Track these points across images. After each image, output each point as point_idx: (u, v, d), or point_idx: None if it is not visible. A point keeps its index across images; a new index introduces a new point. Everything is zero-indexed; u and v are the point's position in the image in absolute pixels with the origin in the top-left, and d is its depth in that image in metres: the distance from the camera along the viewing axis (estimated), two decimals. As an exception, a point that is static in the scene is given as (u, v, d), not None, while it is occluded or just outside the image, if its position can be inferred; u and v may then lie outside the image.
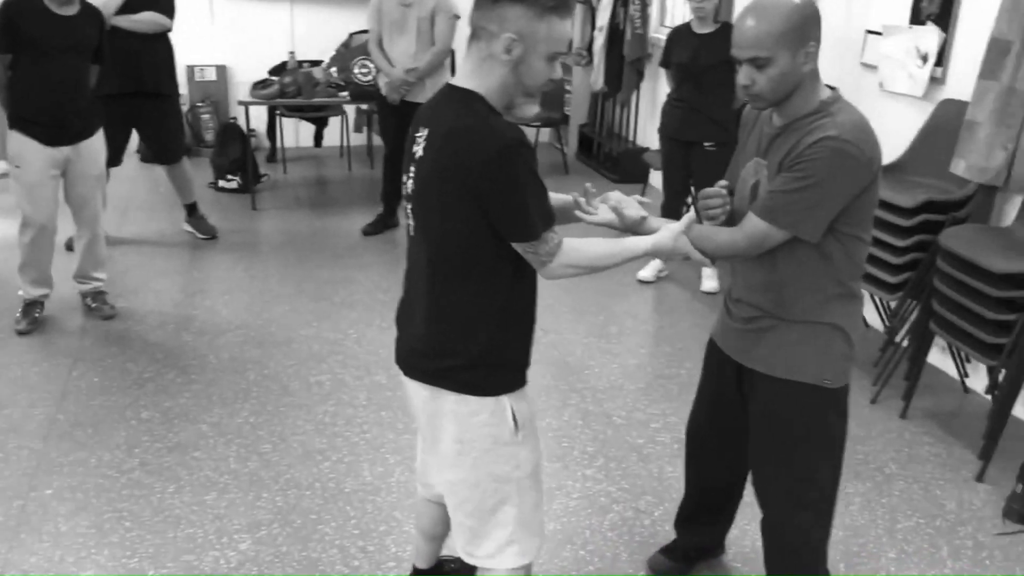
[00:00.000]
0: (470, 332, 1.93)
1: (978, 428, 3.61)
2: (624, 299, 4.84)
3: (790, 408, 2.19)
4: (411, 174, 1.91)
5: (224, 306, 4.56)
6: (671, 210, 5.01)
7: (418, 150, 1.88)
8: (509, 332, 1.97)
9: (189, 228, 5.58)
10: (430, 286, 1.94)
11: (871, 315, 4.52)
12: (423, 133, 1.88)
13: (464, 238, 1.85)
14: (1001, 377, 3.25)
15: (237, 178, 6.41)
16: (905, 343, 3.86)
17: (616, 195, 2.12)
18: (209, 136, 7.21)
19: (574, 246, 1.91)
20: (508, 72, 1.83)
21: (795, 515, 2.28)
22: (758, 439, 2.29)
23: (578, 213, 2.14)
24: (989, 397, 3.57)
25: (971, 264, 3.26)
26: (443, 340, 1.96)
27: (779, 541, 2.33)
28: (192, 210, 5.54)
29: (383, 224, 5.73)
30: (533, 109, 2.24)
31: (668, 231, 2.04)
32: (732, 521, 2.73)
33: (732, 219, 2.23)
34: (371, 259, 5.31)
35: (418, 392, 2.05)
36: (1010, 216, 3.66)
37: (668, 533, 2.89)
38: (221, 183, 6.47)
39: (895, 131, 4.25)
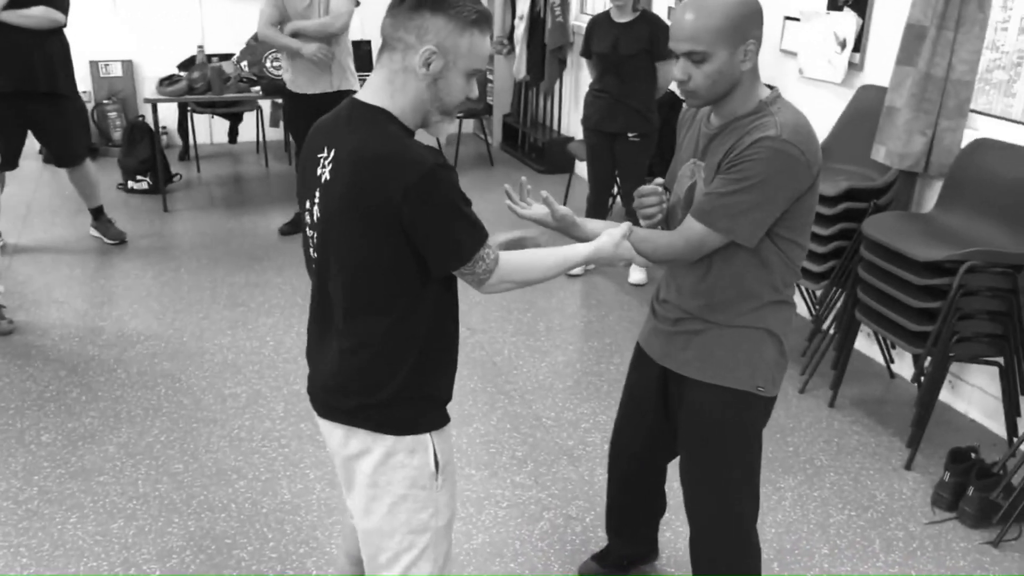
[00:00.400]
0: (389, 367, 1.80)
1: (905, 415, 3.62)
2: (551, 295, 4.75)
3: (722, 414, 2.11)
4: (316, 199, 1.76)
5: (133, 316, 4.33)
6: (598, 203, 4.94)
7: (324, 174, 1.74)
8: (432, 365, 1.84)
9: (95, 233, 5.32)
10: (345, 319, 1.80)
11: (797, 303, 4.52)
12: (327, 154, 1.74)
13: (384, 269, 1.72)
14: (926, 365, 3.24)
15: (147, 179, 6.14)
16: (832, 331, 3.85)
17: (552, 201, 2.00)
18: (117, 135, 6.90)
19: (512, 260, 1.81)
20: (425, 87, 1.70)
21: (727, 519, 2.21)
22: (687, 446, 2.21)
23: (509, 205, 2.03)
24: (915, 385, 3.57)
25: (894, 252, 3.24)
26: (359, 376, 1.82)
27: (711, 549, 2.26)
28: (98, 214, 5.28)
29: (300, 223, 5.52)
30: (448, 128, 2.08)
31: (609, 237, 1.96)
32: (658, 526, 2.66)
33: (668, 219, 2.15)
34: (288, 261, 5.12)
35: (332, 432, 1.91)
36: (930, 202, 3.67)
37: (600, 539, 2.81)
38: (131, 184, 6.19)
39: (816, 118, 4.19)
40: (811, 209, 1.98)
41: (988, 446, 3.42)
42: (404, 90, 1.70)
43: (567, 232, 2.04)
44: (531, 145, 7.40)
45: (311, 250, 1.82)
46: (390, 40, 1.69)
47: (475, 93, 1.78)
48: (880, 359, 4.03)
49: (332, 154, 1.72)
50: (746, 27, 1.87)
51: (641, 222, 2.10)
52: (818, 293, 3.96)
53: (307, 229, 1.81)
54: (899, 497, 3.13)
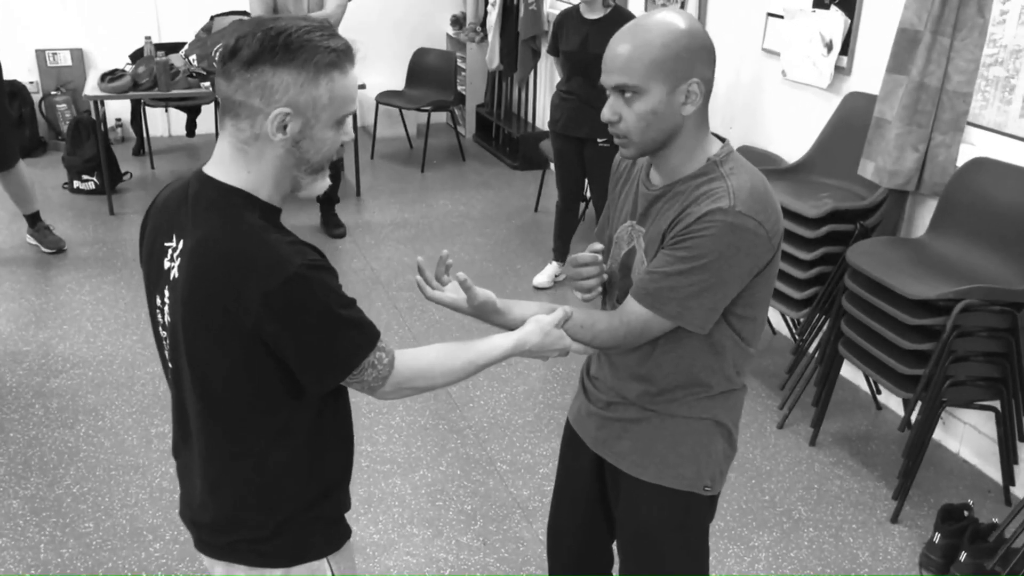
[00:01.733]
0: (264, 500, 1.49)
1: (892, 453, 3.32)
2: (516, 311, 4.42)
3: (663, 518, 1.80)
4: (165, 298, 1.44)
5: (61, 339, 4.00)
6: (567, 210, 4.61)
7: (172, 268, 1.41)
8: (319, 486, 1.53)
9: (32, 241, 4.97)
10: (207, 445, 1.49)
11: (778, 322, 4.21)
12: (175, 244, 1.41)
13: (248, 387, 1.41)
14: (916, 411, 2.94)
15: (93, 178, 5.78)
16: (815, 358, 3.54)
17: (471, 285, 1.66)
18: (66, 128, 6.51)
19: (412, 363, 1.50)
20: (285, 154, 1.38)
21: None
22: (624, 550, 1.91)
23: (418, 283, 1.71)
24: (902, 420, 3.27)
25: (882, 286, 2.93)
26: (230, 510, 1.51)
27: None
28: (34, 221, 4.93)
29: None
30: (323, 184, 1.72)
31: (536, 324, 1.66)
32: None
33: (607, 287, 1.83)
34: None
35: (212, 565, 1.60)
36: (922, 224, 3.35)
37: (550, 616, 2.52)
38: (76, 184, 5.83)
39: (800, 125, 3.92)
40: (771, 281, 1.66)
41: (982, 493, 3.14)
42: (260, 160, 1.38)
43: (488, 320, 1.72)
44: (506, 138, 7.06)
45: (165, 358, 1.50)
46: (230, 105, 1.36)
47: (350, 135, 1.45)
48: (865, 387, 3.74)
49: (180, 245, 1.39)
50: (690, 63, 1.54)
51: (578, 295, 1.78)
52: (800, 320, 3.65)
53: (160, 329, 1.49)
54: (884, 557, 2.84)
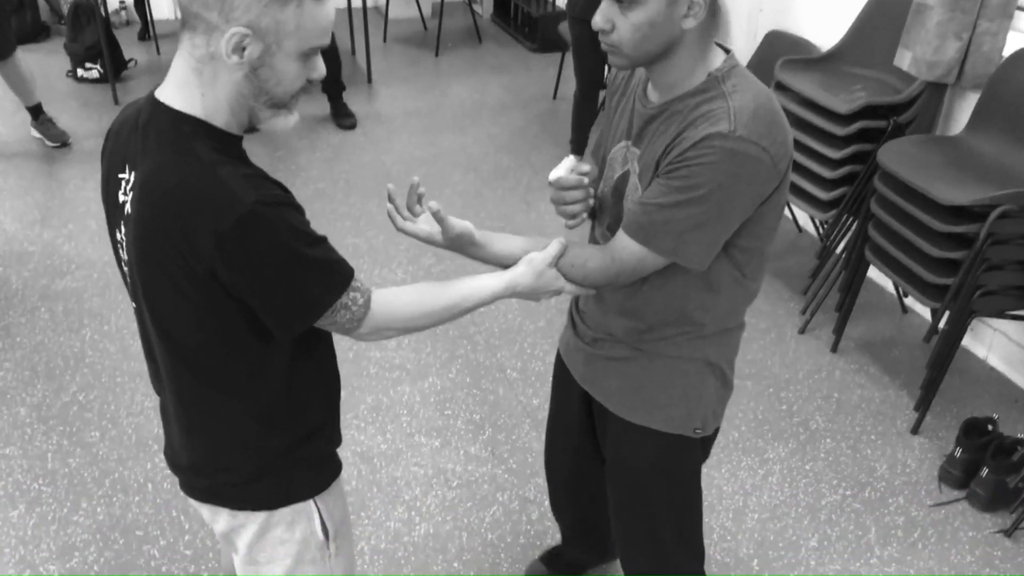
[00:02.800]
0: (241, 445, 1.41)
1: (916, 360, 3.22)
2: (531, 208, 4.28)
3: (651, 461, 1.72)
4: (122, 233, 1.32)
5: (67, 239, 3.92)
6: (586, 100, 4.39)
7: (126, 202, 1.28)
8: (301, 426, 1.44)
9: (36, 134, 4.84)
10: (176, 388, 1.40)
11: (804, 220, 4.05)
12: (128, 176, 1.28)
13: (211, 331, 1.30)
14: (943, 321, 2.81)
15: (97, 66, 5.59)
16: (841, 263, 3.40)
17: (444, 216, 1.53)
18: (67, 13, 6.28)
19: (390, 302, 1.39)
20: (242, 80, 1.22)
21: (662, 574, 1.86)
22: (613, 490, 1.84)
23: (390, 215, 1.59)
24: (928, 330, 3.15)
25: (914, 190, 2.76)
26: (207, 454, 1.44)
27: None
28: (36, 113, 4.79)
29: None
30: (290, 121, 1.54)
31: (529, 266, 1.54)
32: (610, 536, 2.32)
33: (597, 212, 1.69)
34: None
35: (199, 507, 1.54)
36: (960, 121, 3.14)
37: (556, 529, 2.49)
38: (80, 73, 5.65)
39: (834, 9, 3.64)
40: (779, 209, 1.50)
41: (1009, 402, 3.04)
42: (215, 85, 1.23)
43: (465, 253, 1.60)
44: (525, 18, 6.74)
45: (130, 294, 1.39)
46: (188, 16, 1.20)
47: (319, 72, 1.29)
48: (892, 289, 3.60)
49: (132, 178, 1.27)
50: None
51: (565, 222, 1.64)
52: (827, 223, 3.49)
53: (122, 265, 1.38)
54: (902, 471, 2.77)
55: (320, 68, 1.29)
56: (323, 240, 1.29)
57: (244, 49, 1.19)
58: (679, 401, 1.65)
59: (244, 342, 1.31)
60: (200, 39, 1.20)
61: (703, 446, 1.74)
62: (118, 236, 1.34)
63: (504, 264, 1.60)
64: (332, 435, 1.54)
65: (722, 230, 1.43)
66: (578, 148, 4.48)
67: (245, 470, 1.43)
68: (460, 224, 1.55)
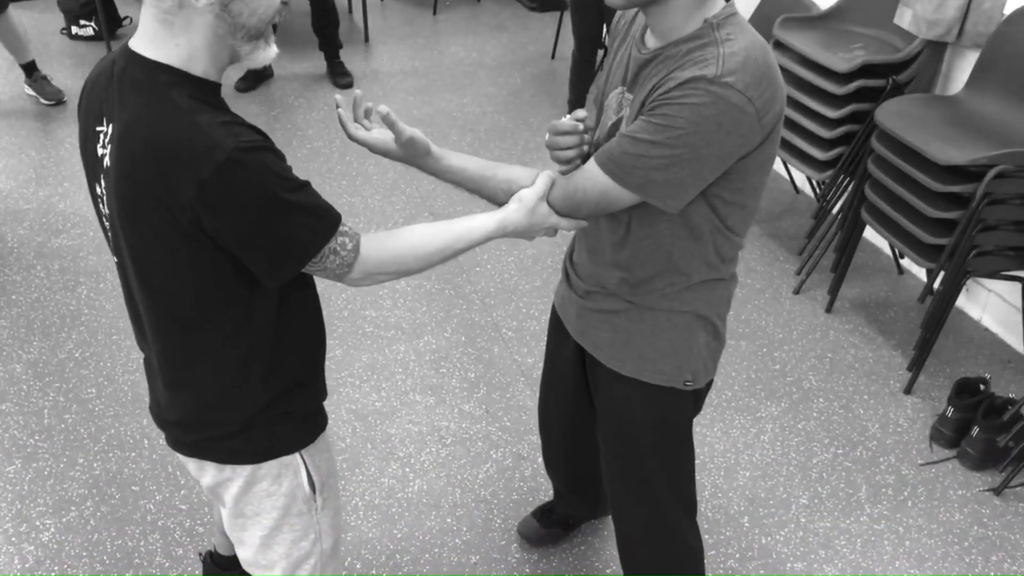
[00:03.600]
0: (225, 398, 1.42)
1: (911, 321, 3.22)
2: (530, 166, 4.25)
3: (641, 413, 1.73)
4: (102, 187, 1.32)
5: (63, 197, 3.91)
6: (583, 61, 4.34)
7: (104, 155, 1.28)
8: (286, 379, 1.45)
9: (30, 92, 4.80)
10: (160, 342, 1.40)
11: (801, 181, 4.03)
12: (106, 128, 1.27)
13: (197, 283, 1.30)
14: (938, 281, 2.81)
15: (92, 23, 5.53)
16: (837, 223, 3.39)
17: (395, 120, 1.51)
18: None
19: (380, 247, 1.38)
20: (214, 21, 1.22)
21: (655, 528, 1.87)
22: (605, 442, 1.85)
23: (341, 121, 1.56)
24: (923, 291, 3.15)
25: (911, 150, 2.74)
26: (193, 409, 1.45)
27: (640, 556, 1.94)
28: (30, 70, 4.74)
29: (256, 77, 4.99)
30: (267, 53, 1.52)
31: (520, 203, 1.53)
32: (603, 490, 2.34)
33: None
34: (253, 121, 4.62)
35: (186, 461, 1.55)
36: (960, 80, 3.11)
37: (549, 486, 2.51)
38: (75, 30, 5.59)
39: (834, -33, 3.59)
40: (764, 167, 1.49)
41: (1001, 363, 3.05)
42: (188, 31, 1.22)
43: (420, 165, 1.58)
44: (524, -24, 6.64)
45: (111, 248, 1.39)
46: None
47: None
48: (888, 250, 3.59)
49: (110, 131, 1.26)
50: None
51: (557, 168, 1.63)
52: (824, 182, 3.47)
53: (103, 220, 1.38)
54: (894, 430, 2.78)
55: None
56: (306, 184, 1.28)
57: None
58: (669, 354, 1.65)
59: (230, 292, 1.31)
60: None
61: (695, 399, 1.75)
62: (98, 190, 1.34)
63: (457, 180, 1.59)
64: (317, 388, 1.55)
65: (692, 174, 1.41)
66: (576, 109, 4.44)
67: (230, 424, 1.44)
68: (411, 130, 1.52)
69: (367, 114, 1.59)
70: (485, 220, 1.49)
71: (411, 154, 1.55)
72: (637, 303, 1.64)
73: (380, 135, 1.56)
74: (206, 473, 1.52)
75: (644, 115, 1.41)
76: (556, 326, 1.90)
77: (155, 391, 1.52)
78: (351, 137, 1.56)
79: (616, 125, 1.56)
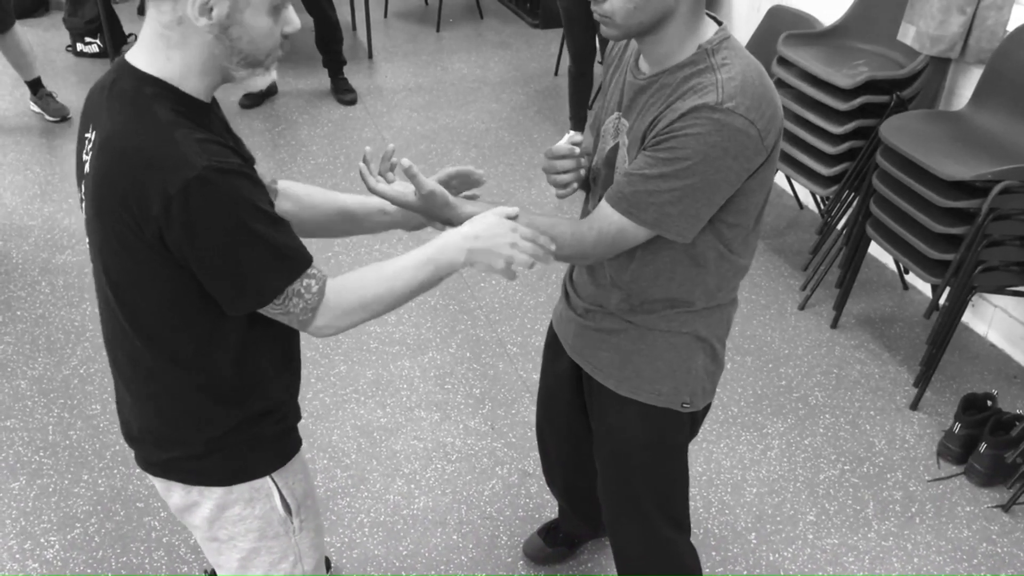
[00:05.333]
0: (193, 417, 1.39)
1: (916, 336, 3.22)
2: (532, 184, 4.27)
3: (638, 433, 1.73)
4: (81, 191, 1.32)
5: (68, 212, 3.92)
6: (580, 75, 4.35)
7: (87, 161, 1.28)
8: (254, 401, 1.41)
9: (36, 109, 4.82)
10: (128, 356, 1.37)
11: (805, 197, 4.03)
12: (91, 135, 1.27)
13: (162, 298, 1.28)
14: (944, 297, 2.81)
15: (97, 41, 5.56)
16: (842, 238, 3.39)
17: (416, 173, 1.47)
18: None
19: (345, 289, 1.33)
20: (213, 41, 1.21)
21: (650, 545, 1.87)
22: (600, 460, 1.85)
23: (363, 174, 1.55)
24: (929, 307, 3.14)
25: (916, 165, 2.74)
26: (158, 428, 1.41)
27: (636, 572, 1.94)
28: (36, 87, 4.76)
29: (260, 94, 5.01)
30: (264, 80, 1.46)
31: (486, 210, 1.48)
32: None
33: (591, 186, 1.69)
34: (251, 143, 4.63)
35: (154, 481, 1.52)
36: (962, 98, 3.12)
37: (555, 503, 2.50)
38: (80, 47, 5.61)
39: (837, -16, 3.61)
40: (766, 186, 1.50)
41: (1008, 379, 3.04)
42: (184, 47, 1.22)
43: (437, 216, 1.55)
44: (527, -7, 6.68)
45: (90, 253, 1.38)
46: None
47: (293, 25, 1.27)
48: (893, 265, 3.59)
49: (93, 138, 1.26)
50: None
51: (555, 192, 1.63)
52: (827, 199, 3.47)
53: (86, 224, 1.38)
54: (901, 446, 2.77)
55: (293, 21, 1.27)
56: (281, 222, 1.25)
57: (212, 9, 1.18)
58: (667, 375, 1.65)
59: (193, 312, 1.29)
60: (166, 5, 1.19)
61: (692, 422, 1.75)
62: (80, 195, 1.34)
63: None
64: (288, 413, 1.50)
65: (706, 203, 1.42)
66: (577, 124, 4.46)
67: (196, 445, 1.40)
68: (431, 183, 1.51)
69: (392, 168, 1.57)
70: (447, 235, 1.42)
71: (430, 204, 1.53)
72: (637, 323, 1.64)
73: (400, 188, 1.55)
74: (173, 494, 1.47)
75: (649, 150, 1.42)
76: (553, 344, 1.91)
77: (122, 402, 1.47)
78: (371, 190, 1.54)
79: (613, 151, 1.57)
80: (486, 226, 1.41)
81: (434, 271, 1.38)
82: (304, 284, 1.28)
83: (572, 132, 4.52)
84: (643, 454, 1.75)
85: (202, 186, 1.16)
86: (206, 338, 1.32)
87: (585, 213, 1.71)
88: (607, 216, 1.48)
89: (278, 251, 1.25)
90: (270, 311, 1.29)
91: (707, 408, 1.77)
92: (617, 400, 1.70)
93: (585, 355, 1.75)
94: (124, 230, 1.21)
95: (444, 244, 1.40)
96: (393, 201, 1.55)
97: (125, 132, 1.20)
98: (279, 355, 1.44)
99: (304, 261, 1.28)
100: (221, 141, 1.23)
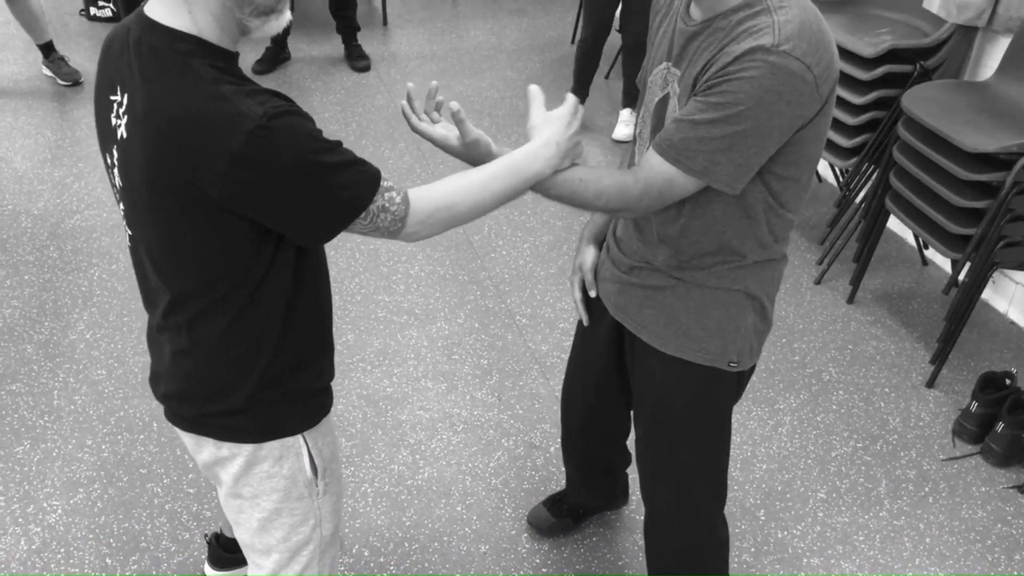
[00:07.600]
0: (233, 370, 1.38)
1: (935, 313, 3.15)
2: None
3: (682, 392, 1.67)
4: (114, 158, 1.28)
5: (77, 177, 3.89)
6: (592, 48, 4.24)
7: (120, 127, 1.24)
8: (293, 354, 1.41)
9: (48, 72, 4.79)
10: (170, 314, 1.36)
11: (824, 169, 3.95)
12: (120, 98, 1.23)
13: (212, 256, 1.26)
14: (963, 274, 2.74)
15: (110, 5, 5.52)
16: (859, 212, 3.32)
17: (464, 119, 1.45)
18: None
19: (431, 196, 1.33)
20: None
21: (684, 508, 1.82)
22: (641, 420, 1.79)
23: (405, 113, 1.51)
24: (948, 282, 3.07)
25: (938, 137, 2.67)
26: (198, 383, 1.41)
27: (666, 539, 1.88)
28: (48, 51, 4.73)
29: (273, 60, 4.95)
30: (281, 22, 1.44)
31: (546, 119, 1.47)
32: (617, 479, 2.29)
33: (636, 140, 1.63)
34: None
35: (183, 435, 1.51)
36: (989, 68, 3.03)
37: (561, 476, 2.47)
38: (93, 11, 5.57)
39: (862, -50, 3.51)
40: (820, 138, 1.44)
41: (1027, 358, 2.97)
42: (199, 1, 1.18)
43: (479, 164, 1.52)
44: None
45: (124, 220, 1.35)
46: None
47: None
48: (912, 240, 3.52)
49: (125, 101, 1.22)
50: None
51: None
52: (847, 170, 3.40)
53: (114, 192, 1.34)
54: (915, 424, 2.72)
55: None
56: (338, 144, 1.24)
57: None
58: (715, 333, 1.59)
59: (247, 262, 1.27)
60: None
61: (738, 382, 1.69)
62: (108, 160, 1.30)
63: None
64: (323, 369, 1.50)
65: (757, 151, 1.36)
66: (578, 96, 4.37)
67: (233, 399, 1.40)
68: (478, 131, 1.47)
69: (437, 107, 1.53)
70: (524, 148, 1.43)
71: (473, 152, 1.49)
72: (685, 280, 1.58)
73: (443, 130, 1.50)
74: (203, 450, 1.48)
75: (700, 95, 1.36)
76: (591, 303, 1.84)
77: (158, 360, 1.48)
78: (414, 128, 1.50)
79: (662, 103, 1.51)
80: (561, 131, 1.44)
81: (514, 175, 1.40)
82: (388, 197, 1.27)
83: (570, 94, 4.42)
84: (687, 414, 1.69)
85: (265, 135, 1.14)
86: (256, 289, 1.31)
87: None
88: (654, 166, 1.42)
89: (350, 172, 1.24)
90: (360, 227, 1.28)
91: (752, 369, 1.71)
92: (662, 359, 1.65)
93: (628, 313, 1.69)
94: (182, 194, 1.19)
95: (535, 152, 1.41)
96: (435, 143, 1.50)
97: (171, 95, 1.16)
98: (317, 307, 1.44)
99: (375, 175, 1.27)
100: (262, 88, 1.21)
